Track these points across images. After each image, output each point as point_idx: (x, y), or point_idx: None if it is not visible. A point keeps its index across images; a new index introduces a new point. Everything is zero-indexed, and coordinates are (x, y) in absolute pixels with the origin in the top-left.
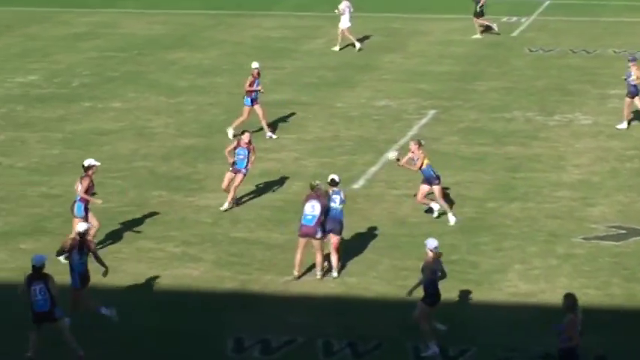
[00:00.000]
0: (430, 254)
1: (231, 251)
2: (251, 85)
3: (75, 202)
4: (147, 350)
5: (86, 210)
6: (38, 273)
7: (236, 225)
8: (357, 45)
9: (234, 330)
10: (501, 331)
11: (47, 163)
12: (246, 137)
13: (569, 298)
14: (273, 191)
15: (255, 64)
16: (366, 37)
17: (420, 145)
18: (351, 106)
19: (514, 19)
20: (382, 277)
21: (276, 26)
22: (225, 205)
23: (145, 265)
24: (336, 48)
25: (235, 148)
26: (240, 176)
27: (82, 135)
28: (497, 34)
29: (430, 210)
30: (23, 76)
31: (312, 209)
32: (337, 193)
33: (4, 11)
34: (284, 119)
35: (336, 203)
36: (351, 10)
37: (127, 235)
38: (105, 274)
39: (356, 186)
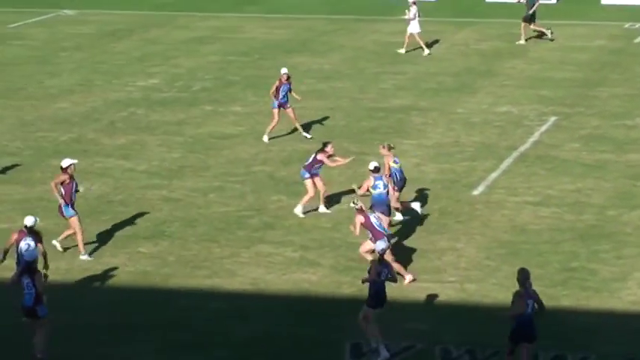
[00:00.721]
0: (378, 257)
1: (350, 256)
2: (277, 89)
3: (60, 205)
4: (264, 354)
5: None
6: (29, 267)
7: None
8: (426, 51)
9: (352, 335)
10: (620, 339)
11: (167, 166)
12: (329, 149)
13: (521, 273)
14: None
15: (283, 70)
16: (486, 42)
17: (389, 148)
18: (472, 111)
19: (637, 25)
20: (501, 284)
21: (396, 31)
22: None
23: (264, 270)
24: (402, 50)
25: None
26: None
27: (202, 139)
28: (551, 39)
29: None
30: (144, 79)
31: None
32: (379, 179)
33: (124, 15)
34: (404, 125)
35: (380, 188)
36: (420, 14)
37: (246, 239)
38: (45, 276)
39: (476, 192)
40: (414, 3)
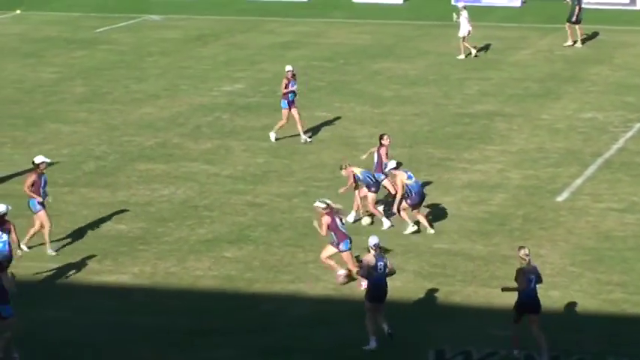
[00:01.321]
0: (371, 252)
1: (434, 262)
2: (286, 87)
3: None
4: (349, 359)
5: (43, 206)
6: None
7: (439, 236)
8: (461, 56)
9: (436, 341)
10: None
11: (252, 171)
12: (386, 140)
13: (521, 250)
14: (476, 203)
15: (288, 67)
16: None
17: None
18: (557, 117)
19: None
20: (585, 291)
21: (482, 37)
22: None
23: None
24: (461, 56)
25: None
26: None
27: (286, 144)
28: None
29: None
30: (229, 84)
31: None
32: (405, 171)
33: (210, 20)
34: (489, 130)
35: (412, 179)
36: (469, 20)
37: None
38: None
39: (560, 199)
40: (464, 7)
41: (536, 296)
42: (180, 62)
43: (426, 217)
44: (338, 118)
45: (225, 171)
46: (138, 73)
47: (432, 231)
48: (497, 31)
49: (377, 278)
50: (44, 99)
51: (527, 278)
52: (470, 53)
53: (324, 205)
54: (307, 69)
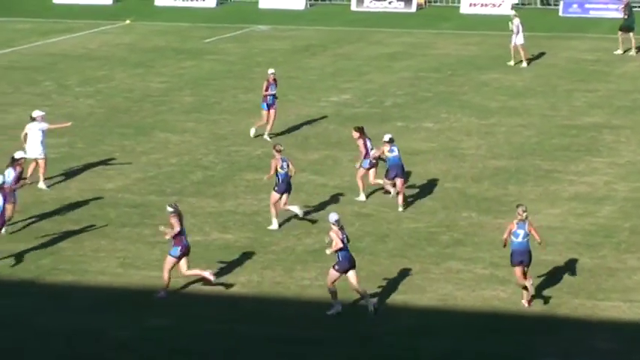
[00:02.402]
0: (334, 227)
1: (540, 274)
2: (266, 90)
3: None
4: None
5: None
6: None
7: (546, 248)
8: (524, 63)
9: (540, 354)
10: None
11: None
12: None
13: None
14: (582, 215)
15: (270, 70)
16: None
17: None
18: None
19: None
20: None
21: (590, 49)
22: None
23: (453, 286)
24: (511, 63)
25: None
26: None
27: None
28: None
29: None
30: (337, 95)
31: None
32: (395, 146)
33: (318, 31)
34: (596, 143)
35: (394, 153)
36: (523, 26)
37: (436, 255)
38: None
39: None
40: (516, 15)
41: (527, 248)
42: (288, 73)
43: (401, 194)
44: (444, 129)
45: (333, 181)
46: (246, 83)
47: (400, 209)
48: (604, 43)
49: (345, 251)
50: (153, 108)
51: (514, 233)
52: (521, 61)
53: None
54: (414, 80)
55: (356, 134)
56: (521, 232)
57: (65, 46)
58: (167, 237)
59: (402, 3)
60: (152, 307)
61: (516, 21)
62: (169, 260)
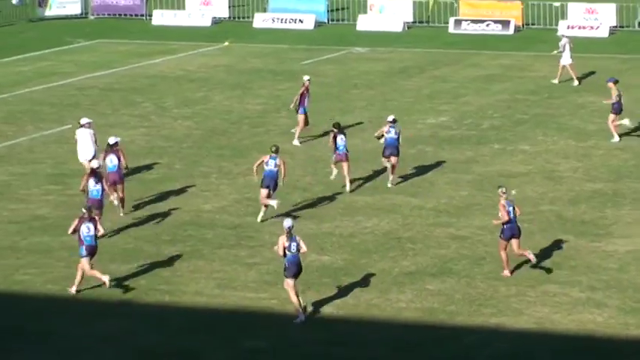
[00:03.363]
0: (284, 234)
1: (638, 298)
2: (302, 96)
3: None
4: None
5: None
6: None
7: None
8: (575, 82)
9: None
10: None
11: (455, 204)
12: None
13: (499, 187)
14: None
15: (306, 77)
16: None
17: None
18: None
19: None
20: None
21: None
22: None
23: (550, 309)
24: (555, 81)
25: None
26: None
27: (490, 177)
28: None
29: None
30: (433, 117)
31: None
32: (393, 127)
33: (415, 53)
34: None
35: (391, 134)
36: (571, 45)
37: (533, 278)
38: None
39: None
40: (564, 36)
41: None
42: (385, 95)
43: (393, 172)
44: (541, 151)
45: (429, 203)
46: (343, 105)
47: (389, 185)
48: None
49: (291, 257)
50: (250, 130)
51: (507, 210)
52: (571, 79)
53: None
54: (511, 102)
55: (334, 130)
56: (511, 209)
57: (164, 67)
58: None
59: (500, 25)
60: (248, 329)
61: (563, 41)
62: None
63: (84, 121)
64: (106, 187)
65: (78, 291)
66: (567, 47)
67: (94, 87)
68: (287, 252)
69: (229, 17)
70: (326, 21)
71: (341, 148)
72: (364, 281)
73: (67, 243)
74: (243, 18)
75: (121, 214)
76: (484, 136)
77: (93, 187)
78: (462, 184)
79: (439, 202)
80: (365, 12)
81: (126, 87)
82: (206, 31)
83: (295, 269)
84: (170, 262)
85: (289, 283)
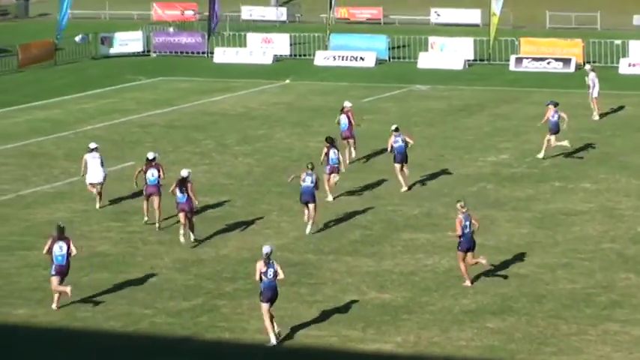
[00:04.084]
0: (262, 259)
1: None
2: (351, 123)
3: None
4: None
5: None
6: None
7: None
8: (596, 116)
9: None
10: None
11: (516, 242)
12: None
13: (458, 202)
14: None
15: (348, 104)
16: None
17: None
18: None
19: None
20: None
21: None
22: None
23: (611, 348)
24: (596, 116)
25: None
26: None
27: (550, 215)
28: None
29: None
30: (494, 154)
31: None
32: (399, 136)
33: (475, 90)
34: None
35: (398, 142)
36: (598, 80)
37: (593, 316)
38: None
39: None
40: (592, 70)
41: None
42: (445, 133)
43: (405, 176)
44: (603, 189)
45: (490, 241)
46: None
47: (404, 189)
48: None
49: (267, 282)
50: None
51: (463, 225)
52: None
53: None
54: (572, 140)
55: (327, 144)
56: (468, 223)
57: (225, 105)
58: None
59: (561, 63)
60: None
61: (591, 75)
62: None
63: (92, 145)
64: (191, 194)
65: (59, 307)
66: (596, 81)
67: (155, 124)
68: (263, 277)
69: (290, 55)
70: (387, 59)
71: (333, 160)
72: (425, 319)
73: (128, 280)
74: (305, 56)
75: (181, 239)
76: (545, 174)
77: (179, 194)
78: (523, 222)
79: (499, 239)
80: (426, 50)
81: (187, 124)
82: (267, 68)
83: (270, 294)
84: (230, 298)
85: (264, 307)
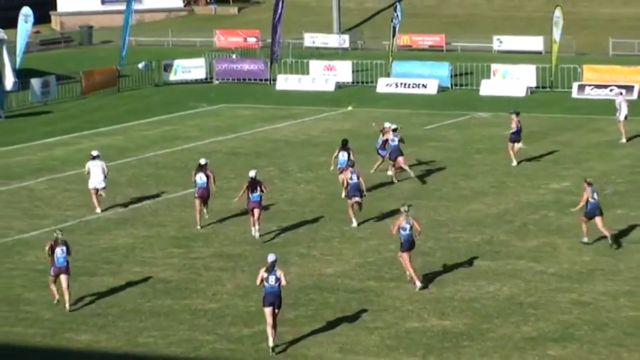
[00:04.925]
0: (267, 266)
1: None
2: (386, 140)
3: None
4: None
5: None
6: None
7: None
8: (623, 140)
9: None
10: None
11: (577, 269)
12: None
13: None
14: None
15: (387, 124)
16: None
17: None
18: None
19: None
20: None
21: None
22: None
23: None
24: (623, 140)
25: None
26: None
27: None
28: None
29: None
30: (557, 182)
31: None
32: (396, 136)
33: (537, 118)
34: None
35: (395, 142)
36: (627, 104)
37: None
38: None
39: None
40: (620, 93)
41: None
42: (507, 160)
43: (403, 169)
44: None
45: (551, 269)
46: (466, 170)
47: (394, 180)
48: None
49: (268, 288)
50: (373, 194)
51: (402, 227)
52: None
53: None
54: (635, 167)
55: (340, 147)
56: (408, 226)
57: (287, 132)
58: None
59: (624, 90)
60: None
61: (619, 99)
62: None
63: (94, 153)
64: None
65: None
66: (624, 104)
67: (217, 151)
68: (265, 283)
69: (353, 82)
70: (449, 86)
71: (342, 162)
72: (485, 346)
73: (190, 306)
74: (367, 83)
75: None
76: (607, 202)
77: (253, 194)
78: (585, 250)
79: (561, 267)
80: (488, 77)
81: (249, 151)
82: (329, 95)
83: (271, 299)
84: (292, 325)
85: (265, 311)
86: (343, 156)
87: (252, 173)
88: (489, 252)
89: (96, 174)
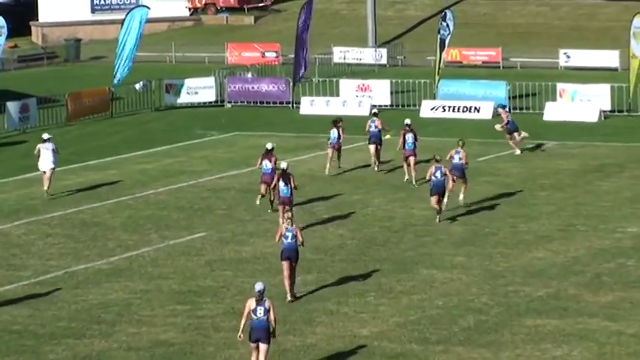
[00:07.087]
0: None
1: None
2: (404, 140)
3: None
4: None
5: None
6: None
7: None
8: None
9: None
10: None
11: None
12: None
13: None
14: None
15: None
16: None
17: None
18: None
19: None
20: None
21: None
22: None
23: None
24: None
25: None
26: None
27: None
28: None
29: None
30: (636, 224)
31: None
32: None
33: (613, 147)
34: None
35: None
36: None
37: None
38: None
39: None
40: None
41: (295, 248)
42: (576, 198)
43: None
44: None
45: (630, 329)
46: (526, 210)
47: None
48: None
49: (255, 321)
50: (416, 240)
51: (284, 235)
52: None
53: None
54: None
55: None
56: (290, 234)
57: (313, 165)
58: None
59: None
60: None
61: None
62: None
63: (46, 136)
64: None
65: None
66: None
67: (230, 188)
68: (252, 315)
69: (391, 105)
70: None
71: (409, 144)
72: None
73: None
74: (408, 106)
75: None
76: None
77: (283, 187)
78: None
79: None
80: (554, 99)
81: None
82: (363, 121)
83: (258, 334)
84: None
85: (251, 346)
86: (410, 138)
87: (283, 164)
88: (555, 308)
89: (46, 156)
